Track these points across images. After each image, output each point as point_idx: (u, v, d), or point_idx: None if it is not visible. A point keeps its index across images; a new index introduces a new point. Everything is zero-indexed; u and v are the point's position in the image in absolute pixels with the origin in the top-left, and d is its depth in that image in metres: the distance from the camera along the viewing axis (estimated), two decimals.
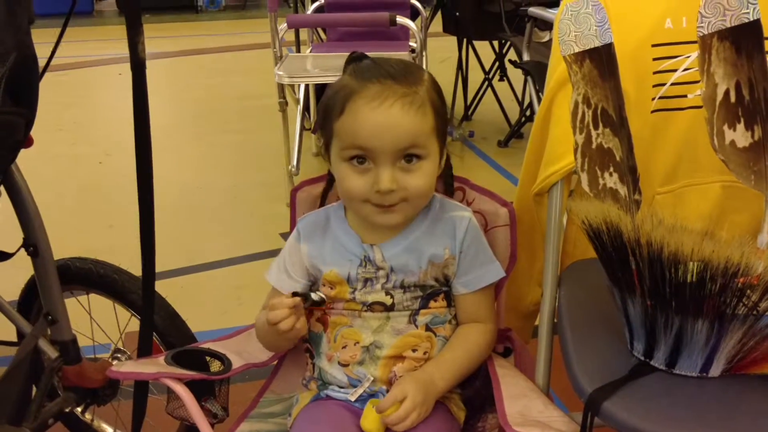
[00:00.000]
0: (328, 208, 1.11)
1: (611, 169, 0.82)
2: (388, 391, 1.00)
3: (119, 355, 1.35)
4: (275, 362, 1.19)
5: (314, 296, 1.00)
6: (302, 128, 2.89)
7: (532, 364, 1.12)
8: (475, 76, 3.77)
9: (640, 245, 0.79)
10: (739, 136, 0.78)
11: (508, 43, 3.50)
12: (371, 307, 1.02)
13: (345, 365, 1.03)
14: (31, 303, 1.31)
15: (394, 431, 0.94)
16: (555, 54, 1.10)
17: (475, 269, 1.03)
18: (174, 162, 3.31)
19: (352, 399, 1.02)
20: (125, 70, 4.02)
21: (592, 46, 0.78)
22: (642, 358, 0.86)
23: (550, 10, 2.21)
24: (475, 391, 1.15)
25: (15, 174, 1.14)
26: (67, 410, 1.24)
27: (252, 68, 5.34)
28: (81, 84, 5.09)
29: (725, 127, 0.77)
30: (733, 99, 0.77)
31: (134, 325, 1.30)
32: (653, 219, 0.76)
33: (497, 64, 3.65)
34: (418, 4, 3.02)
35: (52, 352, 1.23)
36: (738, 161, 0.79)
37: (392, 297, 1.02)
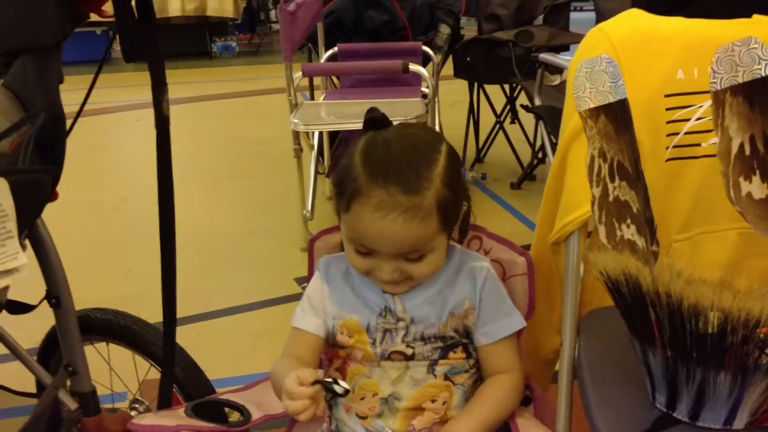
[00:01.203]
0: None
1: (628, 221, 0.83)
2: None
3: (137, 405, 1.35)
4: None
5: (338, 389, 0.88)
6: (316, 173, 2.93)
7: (552, 413, 1.11)
8: (487, 119, 3.81)
9: (659, 297, 0.79)
10: (755, 187, 0.79)
11: (519, 87, 3.55)
12: (390, 356, 1.03)
13: (363, 417, 1.03)
14: (51, 353, 1.33)
15: None
16: (569, 105, 1.12)
17: (496, 319, 1.04)
18: (189, 208, 3.34)
19: None
20: (143, 116, 4.09)
21: (607, 102, 0.80)
22: (664, 410, 0.85)
23: (560, 56, 2.25)
24: None
25: (39, 226, 1.16)
26: None
27: (266, 113, 5.42)
28: (98, 130, 5.15)
29: (741, 179, 0.78)
30: (747, 152, 0.78)
31: (153, 373, 1.31)
32: (671, 271, 0.76)
33: (508, 107, 3.69)
34: (430, 51, 3.07)
35: (71, 404, 1.24)
36: (755, 212, 0.80)
37: (413, 348, 1.02)
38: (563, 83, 3.26)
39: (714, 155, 1.06)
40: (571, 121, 1.11)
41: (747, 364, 0.77)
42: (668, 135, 1.10)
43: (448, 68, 3.81)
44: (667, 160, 1.11)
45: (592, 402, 0.89)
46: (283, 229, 2.97)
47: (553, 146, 2.59)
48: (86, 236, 3.04)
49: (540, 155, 3.55)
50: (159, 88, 0.94)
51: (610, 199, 0.81)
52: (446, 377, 1.03)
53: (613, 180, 0.81)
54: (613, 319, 1.09)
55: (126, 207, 3.43)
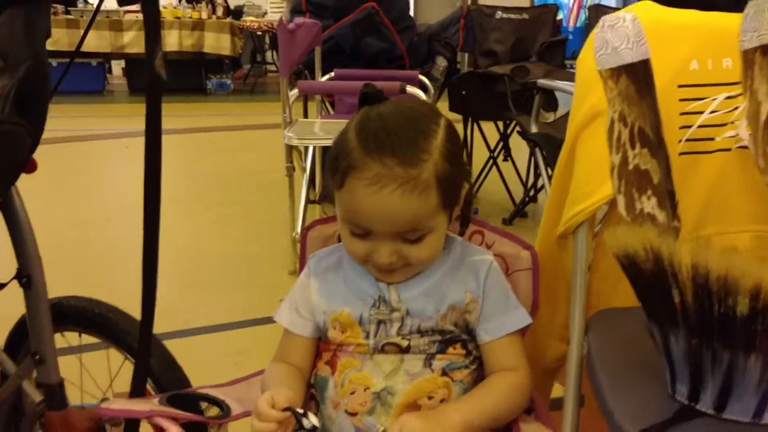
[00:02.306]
0: (341, 246, 1.05)
1: (649, 193, 0.77)
2: None
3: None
4: None
5: (306, 423, 0.85)
6: (307, 200, 2.87)
7: (551, 425, 1.03)
8: (480, 156, 3.79)
9: (683, 270, 0.73)
10: None
11: (513, 124, 3.54)
12: (384, 348, 0.95)
13: (353, 414, 0.94)
14: (19, 345, 1.23)
15: None
16: (578, 92, 1.07)
17: (499, 315, 0.97)
18: (180, 230, 3.28)
19: None
20: (132, 144, 4.11)
21: (629, 62, 0.75)
22: (686, 402, 0.78)
23: (558, 82, 2.23)
24: None
25: (15, 199, 1.08)
26: None
27: (259, 146, 5.40)
28: (87, 154, 5.12)
29: None
30: None
31: (126, 373, 1.22)
32: (698, 240, 0.70)
33: (501, 144, 3.68)
34: (426, 80, 3.06)
35: (36, 396, 1.14)
36: None
37: (408, 341, 0.95)
38: (558, 119, 3.26)
39: (729, 149, 1.02)
40: (580, 110, 1.06)
41: None
42: (681, 127, 1.05)
43: (444, 103, 3.81)
44: (680, 154, 1.06)
45: (608, 395, 0.81)
46: (273, 253, 2.91)
47: (549, 175, 2.56)
48: (70, 253, 2.96)
49: (531, 193, 3.52)
50: (152, 45, 0.88)
51: (630, 167, 0.76)
52: (444, 372, 0.95)
53: (633, 147, 0.76)
54: (622, 320, 1.03)
55: (110, 226, 3.35)
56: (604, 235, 0.82)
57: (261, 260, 2.88)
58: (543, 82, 2.25)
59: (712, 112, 1.05)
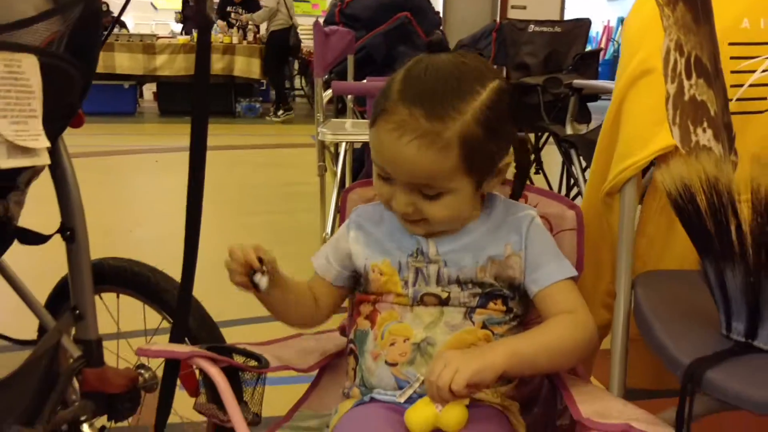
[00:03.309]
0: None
1: (705, 125, 0.76)
2: None
3: (142, 371, 1.25)
4: (315, 371, 1.10)
5: (256, 278, 0.92)
6: (336, 208, 2.88)
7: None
8: (511, 168, 3.79)
9: (740, 201, 0.71)
10: None
11: (545, 137, 3.53)
12: (423, 299, 0.94)
13: (393, 365, 0.93)
14: (60, 304, 1.24)
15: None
16: (625, 52, 1.06)
17: (545, 265, 0.94)
18: (209, 235, 3.30)
19: (401, 400, 0.91)
20: (161, 158, 4.19)
21: None
22: (743, 340, 0.76)
23: (594, 81, 2.22)
24: (535, 418, 1.04)
25: (63, 155, 1.10)
26: (82, 419, 1.13)
27: (289, 162, 5.46)
28: (118, 168, 5.22)
29: None
30: None
31: (163, 334, 1.22)
32: (759, 161, 0.68)
33: (533, 156, 3.66)
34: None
35: (74, 351, 1.14)
36: None
37: (448, 292, 0.93)
38: (592, 130, 3.24)
39: None
40: (627, 68, 1.06)
41: None
42: (732, 86, 1.04)
43: None
44: (731, 113, 1.04)
45: (660, 335, 0.79)
46: (302, 254, 2.89)
47: (585, 179, 2.54)
48: (99, 254, 2.99)
49: None
50: None
51: (686, 98, 0.75)
52: (484, 326, 0.93)
53: (689, 77, 0.74)
54: (669, 280, 1.01)
55: (140, 231, 3.39)
56: (656, 175, 0.80)
57: (290, 261, 2.87)
58: (579, 81, 2.24)
59: (764, 71, 1.03)
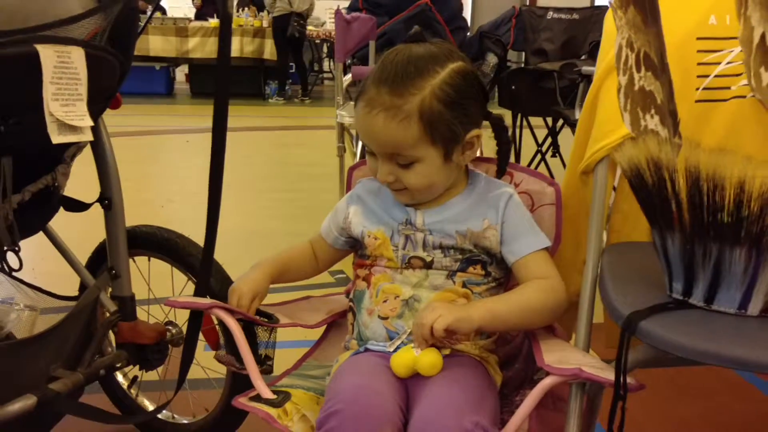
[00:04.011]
0: None
1: (652, 111, 0.87)
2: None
3: (170, 326, 1.40)
4: (324, 327, 1.24)
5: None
6: None
7: None
8: (529, 151, 3.88)
9: (678, 177, 0.83)
10: None
11: (561, 121, 3.61)
12: (410, 262, 1.07)
13: (385, 318, 1.07)
14: (99, 265, 1.39)
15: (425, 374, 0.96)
16: (604, 45, 1.18)
17: (520, 238, 1.07)
18: (233, 212, 3.46)
19: (390, 350, 1.05)
20: (192, 138, 4.32)
21: None
22: (681, 297, 0.88)
23: None
24: (515, 372, 1.17)
25: (102, 133, 1.25)
26: (117, 365, 1.29)
27: (313, 143, 5.61)
28: (150, 147, 5.42)
29: (762, 70, 0.83)
30: None
31: (189, 292, 1.36)
32: (690, 144, 0.80)
33: (550, 140, 3.75)
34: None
35: (110, 306, 1.30)
36: None
37: (432, 256, 1.06)
38: None
39: (743, 96, 1.11)
40: (605, 58, 1.17)
41: (761, 240, 0.79)
42: (699, 76, 1.15)
43: (494, 103, 3.91)
44: (697, 101, 1.15)
45: (611, 291, 0.91)
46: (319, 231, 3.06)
47: None
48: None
49: None
50: None
51: (636, 88, 0.86)
52: (464, 285, 1.07)
53: (639, 70, 0.86)
54: (635, 249, 1.12)
55: (171, 206, 3.57)
56: (614, 156, 0.92)
57: (306, 236, 3.03)
58: (587, 69, 2.33)
59: (728, 63, 1.14)
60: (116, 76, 1.10)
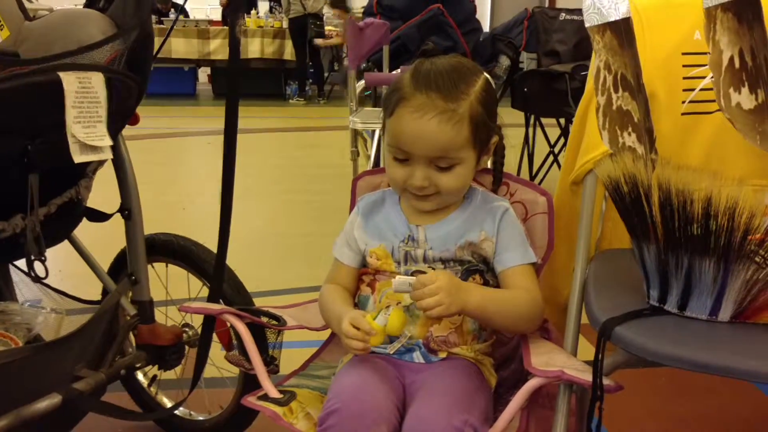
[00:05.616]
0: (385, 191, 1.25)
1: (630, 129, 0.93)
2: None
3: (186, 329, 1.48)
4: (330, 330, 1.31)
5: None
6: None
7: None
8: (541, 151, 3.92)
9: (651, 189, 0.88)
10: (744, 98, 0.89)
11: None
12: (413, 274, 1.13)
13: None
14: (120, 271, 1.48)
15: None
16: (594, 60, 1.23)
17: (511, 249, 1.13)
18: (250, 213, 3.55)
19: (391, 352, 1.12)
20: (214, 141, 4.42)
21: (612, 20, 0.92)
22: (657, 304, 0.93)
23: None
24: (511, 372, 1.23)
25: (122, 147, 1.33)
26: (137, 366, 1.37)
27: (331, 144, 5.68)
28: (173, 148, 5.53)
29: (731, 90, 0.88)
30: (737, 65, 0.88)
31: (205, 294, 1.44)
32: (662, 161, 0.86)
33: (562, 140, 3.79)
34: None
35: (131, 310, 1.38)
36: (744, 122, 0.89)
37: (433, 268, 1.13)
38: None
39: None
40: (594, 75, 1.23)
41: (729, 250, 0.85)
42: (684, 90, 1.20)
43: (506, 100, 3.95)
44: (683, 114, 1.20)
45: (592, 297, 0.97)
46: (335, 232, 3.13)
47: None
48: (153, 229, 3.27)
49: None
50: (235, 15, 1.10)
51: (614, 107, 0.92)
52: None
53: (617, 90, 0.91)
54: (622, 256, 1.17)
55: (192, 208, 3.67)
56: (597, 170, 0.98)
57: (323, 237, 3.10)
58: None
59: (712, 77, 1.19)
60: (134, 97, 1.18)
